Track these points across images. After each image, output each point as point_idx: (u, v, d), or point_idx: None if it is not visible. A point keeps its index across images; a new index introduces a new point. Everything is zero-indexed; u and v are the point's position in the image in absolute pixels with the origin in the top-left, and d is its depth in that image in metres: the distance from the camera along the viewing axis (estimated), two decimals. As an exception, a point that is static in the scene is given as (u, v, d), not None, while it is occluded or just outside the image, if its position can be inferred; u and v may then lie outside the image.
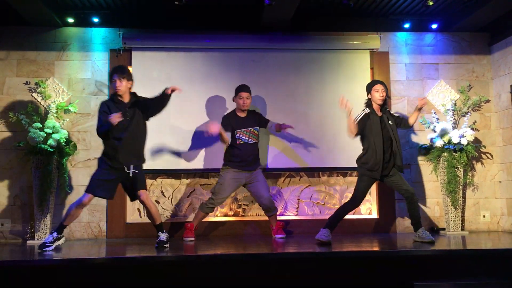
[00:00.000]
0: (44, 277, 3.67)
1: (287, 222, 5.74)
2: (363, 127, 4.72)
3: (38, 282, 3.62)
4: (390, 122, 4.78)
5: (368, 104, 4.82)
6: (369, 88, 4.86)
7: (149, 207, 4.59)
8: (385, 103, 4.83)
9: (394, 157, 4.71)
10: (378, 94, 4.76)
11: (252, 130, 5.24)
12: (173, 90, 4.51)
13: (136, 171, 4.49)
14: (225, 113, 5.38)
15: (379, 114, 4.79)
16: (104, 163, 4.46)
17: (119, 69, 4.52)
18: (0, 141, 5.62)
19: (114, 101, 4.51)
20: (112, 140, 4.43)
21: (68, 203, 5.53)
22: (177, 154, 5.73)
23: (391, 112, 4.92)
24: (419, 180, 6.01)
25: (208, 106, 5.79)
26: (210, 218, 5.74)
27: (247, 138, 5.20)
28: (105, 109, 4.46)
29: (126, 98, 4.53)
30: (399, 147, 4.75)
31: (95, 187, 4.42)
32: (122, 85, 4.46)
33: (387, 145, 4.70)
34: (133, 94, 4.62)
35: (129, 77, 4.54)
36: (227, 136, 5.09)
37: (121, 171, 4.45)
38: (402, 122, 4.92)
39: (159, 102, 4.57)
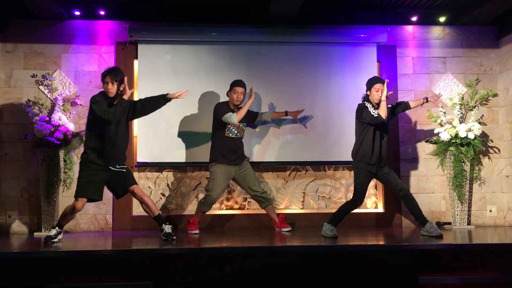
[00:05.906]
0: (51, 268, 3.70)
1: (292, 215, 5.75)
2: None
3: (45, 274, 3.65)
4: None
5: (366, 100, 4.81)
6: (370, 84, 4.81)
7: (145, 200, 4.65)
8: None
9: (384, 152, 4.77)
10: (377, 94, 4.73)
11: (241, 125, 5.20)
12: (176, 97, 4.66)
13: (124, 169, 4.56)
14: (218, 102, 5.34)
15: None
16: (90, 164, 4.44)
17: (112, 72, 4.50)
18: (8, 133, 5.65)
19: (105, 97, 4.50)
20: (99, 139, 4.45)
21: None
22: (183, 147, 5.73)
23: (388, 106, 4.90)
24: (426, 174, 5.98)
25: (214, 99, 5.78)
26: (216, 211, 5.75)
27: (236, 132, 5.18)
28: (103, 98, 4.48)
29: (115, 101, 4.52)
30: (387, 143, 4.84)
31: (86, 190, 4.43)
32: (114, 88, 4.46)
33: (378, 140, 4.73)
34: (121, 96, 4.59)
35: (121, 80, 4.53)
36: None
37: (107, 170, 4.48)
38: (399, 107, 5.03)
39: (155, 105, 4.68)
